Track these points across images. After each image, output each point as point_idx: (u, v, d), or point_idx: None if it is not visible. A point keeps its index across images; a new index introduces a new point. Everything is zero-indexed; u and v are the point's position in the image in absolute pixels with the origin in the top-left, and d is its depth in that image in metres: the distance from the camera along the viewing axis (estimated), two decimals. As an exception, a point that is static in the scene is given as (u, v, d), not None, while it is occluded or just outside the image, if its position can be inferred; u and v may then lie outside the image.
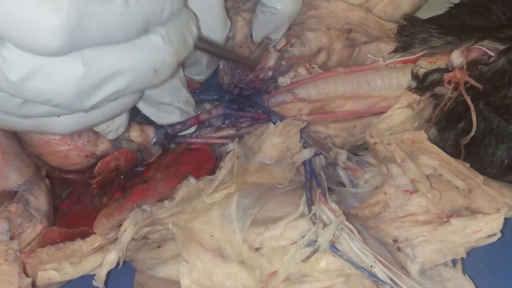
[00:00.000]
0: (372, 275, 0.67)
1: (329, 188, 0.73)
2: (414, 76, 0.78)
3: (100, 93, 0.58)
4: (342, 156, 0.77)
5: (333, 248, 0.68)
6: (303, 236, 0.68)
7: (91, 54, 0.55)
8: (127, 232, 0.69)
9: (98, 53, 0.55)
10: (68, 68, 0.55)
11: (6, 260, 0.67)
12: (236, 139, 0.77)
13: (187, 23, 0.63)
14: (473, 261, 0.71)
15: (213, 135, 0.80)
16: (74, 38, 0.52)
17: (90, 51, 0.55)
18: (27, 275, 0.69)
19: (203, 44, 0.70)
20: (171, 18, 0.60)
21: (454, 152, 0.75)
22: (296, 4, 0.77)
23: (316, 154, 0.76)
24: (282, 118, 0.78)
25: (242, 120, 0.81)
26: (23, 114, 0.58)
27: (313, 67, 0.81)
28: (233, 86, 0.82)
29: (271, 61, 0.81)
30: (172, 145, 0.80)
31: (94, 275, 0.69)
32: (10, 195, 0.71)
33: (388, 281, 0.67)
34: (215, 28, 0.74)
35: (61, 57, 0.54)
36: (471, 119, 0.75)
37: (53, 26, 0.51)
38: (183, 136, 0.80)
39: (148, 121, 0.77)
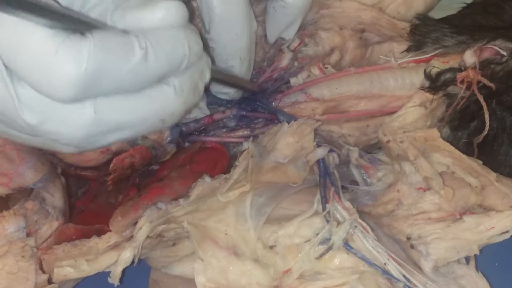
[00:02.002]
0: (385, 273, 0.67)
1: (342, 187, 0.73)
2: (427, 75, 0.78)
3: (107, 138, 0.59)
4: (354, 153, 0.77)
5: (347, 245, 0.68)
6: (317, 234, 0.68)
7: (103, 102, 0.56)
8: (143, 230, 0.69)
9: (110, 102, 0.56)
10: (80, 114, 0.55)
11: (23, 256, 0.67)
12: (251, 138, 0.77)
13: (202, 70, 0.64)
14: (487, 258, 0.71)
15: (228, 135, 0.81)
16: (89, 88, 0.53)
17: (103, 99, 0.56)
18: (44, 272, 0.69)
19: (218, 75, 0.71)
20: (187, 69, 0.61)
21: (467, 151, 0.74)
22: None
23: (329, 151, 0.76)
24: (290, 117, 0.78)
25: (256, 121, 0.81)
26: (32, 133, 0.58)
27: (326, 67, 0.82)
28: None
29: (285, 61, 0.81)
30: (187, 144, 0.80)
31: (110, 272, 0.70)
32: (26, 193, 0.72)
33: (402, 278, 0.67)
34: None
35: (75, 103, 0.54)
36: (484, 118, 0.75)
37: (70, 76, 0.52)
38: (198, 134, 0.80)
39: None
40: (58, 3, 0.54)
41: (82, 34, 0.52)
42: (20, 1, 0.48)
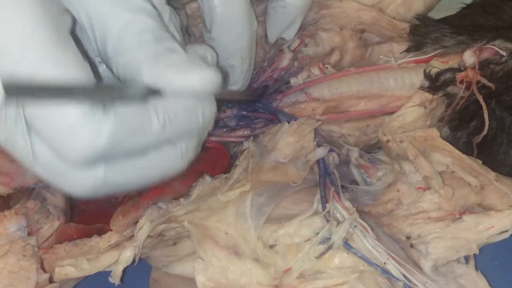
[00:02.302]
0: (385, 272, 0.68)
1: (342, 186, 0.74)
2: (427, 75, 0.78)
3: (111, 191, 0.60)
4: (354, 153, 0.78)
5: (347, 245, 0.68)
6: (317, 234, 0.68)
7: (113, 166, 0.57)
8: (143, 229, 0.70)
9: (119, 166, 0.57)
10: (89, 176, 0.56)
11: (24, 255, 0.68)
12: (251, 138, 0.77)
13: (209, 125, 0.64)
14: (486, 258, 0.71)
15: (228, 135, 0.81)
16: (103, 157, 0.55)
17: (113, 163, 0.56)
18: (45, 271, 0.69)
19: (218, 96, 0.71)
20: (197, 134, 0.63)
21: (466, 151, 0.75)
22: None
23: (329, 151, 0.76)
24: (290, 117, 0.78)
25: (257, 120, 0.81)
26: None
27: (326, 67, 0.82)
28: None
29: (285, 61, 0.81)
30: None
31: (111, 271, 0.70)
32: (27, 192, 0.72)
33: (401, 277, 0.67)
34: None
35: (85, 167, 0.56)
36: (483, 118, 0.76)
37: (88, 148, 0.53)
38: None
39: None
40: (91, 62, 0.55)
41: (105, 107, 0.53)
42: (50, 91, 0.49)
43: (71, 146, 0.53)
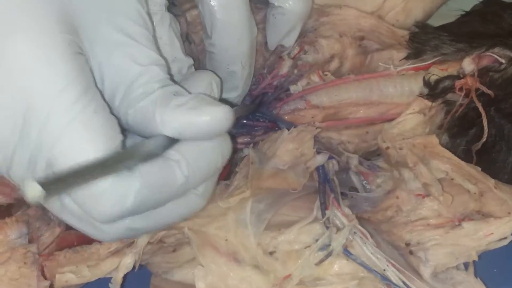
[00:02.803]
0: (385, 279, 0.68)
1: (342, 193, 0.74)
2: (426, 83, 0.78)
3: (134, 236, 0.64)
4: (354, 160, 0.78)
5: (346, 252, 0.68)
6: (317, 240, 0.68)
7: (137, 218, 0.59)
8: (144, 236, 0.70)
9: (143, 217, 0.59)
10: (114, 228, 0.58)
11: (25, 263, 0.68)
12: (251, 145, 0.78)
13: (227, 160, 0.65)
14: (486, 264, 0.71)
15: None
16: (129, 215, 0.57)
17: (137, 216, 0.58)
18: (46, 278, 0.69)
19: None
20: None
21: (465, 158, 0.75)
22: (305, 2, 0.78)
23: (329, 158, 0.76)
24: (290, 125, 0.78)
25: (257, 128, 0.81)
26: None
27: (326, 74, 0.82)
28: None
29: (285, 68, 0.81)
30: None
31: (111, 278, 0.70)
32: (28, 200, 0.72)
33: (401, 284, 0.67)
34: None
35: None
36: (483, 125, 0.76)
37: (114, 211, 0.55)
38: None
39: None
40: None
41: (130, 168, 0.54)
42: (84, 174, 0.51)
43: (100, 210, 0.55)
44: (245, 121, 0.81)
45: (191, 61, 0.73)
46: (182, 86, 0.62)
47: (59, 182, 0.49)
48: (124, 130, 0.59)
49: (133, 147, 0.56)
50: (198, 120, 0.57)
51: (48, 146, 0.52)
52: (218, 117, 0.58)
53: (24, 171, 0.54)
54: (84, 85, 0.54)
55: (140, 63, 0.58)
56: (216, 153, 0.61)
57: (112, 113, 0.57)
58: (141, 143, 0.57)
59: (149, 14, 0.61)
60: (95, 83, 0.57)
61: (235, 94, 0.77)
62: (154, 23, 0.68)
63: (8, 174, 0.55)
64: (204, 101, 0.59)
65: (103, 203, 0.54)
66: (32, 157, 0.53)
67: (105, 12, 0.57)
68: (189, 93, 0.61)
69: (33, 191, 0.46)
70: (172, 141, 0.58)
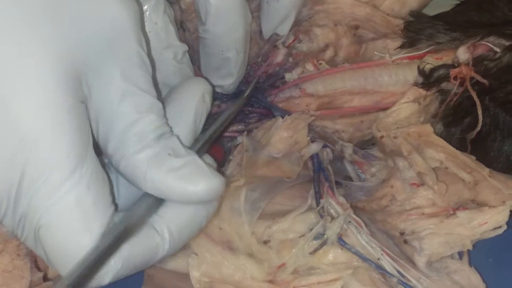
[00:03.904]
0: (379, 268, 0.68)
1: (336, 182, 0.74)
2: (421, 72, 0.78)
3: None
4: (348, 149, 0.78)
5: (341, 241, 0.68)
6: (311, 229, 0.68)
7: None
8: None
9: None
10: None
11: (18, 255, 0.67)
12: (245, 132, 0.77)
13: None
14: (481, 254, 0.71)
15: (222, 129, 0.81)
16: None
17: None
18: (39, 269, 0.69)
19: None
20: None
21: (460, 147, 0.75)
22: None
23: (323, 147, 0.76)
24: (284, 113, 0.78)
25: (251, 115, 0.81)
26: None
27: (320, 63, 0.82)
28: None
29: (280, 57, 0.81)
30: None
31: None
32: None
33: (395, 273, 0.68)
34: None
35: None
36: (477, 114, 0.76)
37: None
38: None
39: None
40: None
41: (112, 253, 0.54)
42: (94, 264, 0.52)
43: None
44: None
45: (185, 47, 0.73)
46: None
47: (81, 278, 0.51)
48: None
49: (124, 223, 0.55)
50: (190, 190, 0.56)
51: (36, 216, 0.52)
52: (210, 189, 0.57)
53: (14, 228, 0.54)
54: (80, 155, 0.53)
55: (138, 110, 0.57)
56: (202, 215, 0.60)
57: (104, 168, 0.57)
58: (131, 215, 0.56)
59: (149, 55, 0.61)
60: (92, 135, 0.56)
61: (230, 80, 0.77)
62: (148, 10, 0.68)
63: (1, 222, 0.55)
64: (199, 170, 0.58)
65: None
66: (21, 220, 0.53)
67: (106, 57, 0.56)
68: (186, 149, 0.60)
69: None
70: (159, 202, 0.58)
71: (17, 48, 0.51)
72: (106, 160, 0.61)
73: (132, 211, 0.57)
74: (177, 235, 0.58)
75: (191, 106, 0.64)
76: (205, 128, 0.67)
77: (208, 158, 0.64)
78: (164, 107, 0.61)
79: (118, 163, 0.57)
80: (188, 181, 0.56)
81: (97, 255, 0.52)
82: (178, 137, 0.60)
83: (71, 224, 0.53)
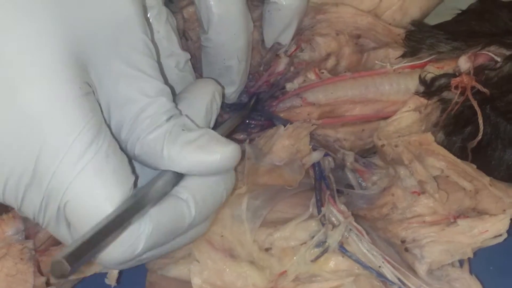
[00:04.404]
0: (380, 275, 0.68)
1: (337, 190, 0.74)
2: (422, 81, 0.79)
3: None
4: (350, 157, 0.78)
5: (342, 248, 0.68)
6: (313, 237, 0.69)
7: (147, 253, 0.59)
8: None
9: (153, 251, 0.59)
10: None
11: (21, 259, 0.67)
12: (247, 141, 0.78)
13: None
14: (482, 262, 0.71)
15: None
16: (137, 257, 0.57)
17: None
18: (42, 274, 0.69)
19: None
20: None
21: (461, 156, 0.75)
22: None
23: (325, 155, 0.76)
24: (285, 122, 0.78)
25: (253, 125, 0.82)
26: None
27: (322, 72, 0.82)
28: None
29: (281, 66, 0.81)
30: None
31: (107, 273, 0.70)
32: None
33: (396, 281, 0.68)
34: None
35: None
36: (478, 123, 0.76)
37: (124, 258, 0.56)
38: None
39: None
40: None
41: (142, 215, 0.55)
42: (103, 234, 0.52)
43: (109, 257, 0.55)
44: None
45: (188, 55, 0.73)
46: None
47: (83, 252, 0.49)
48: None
49: (144, 190, 0.56)
50: (207, 159, 0.58)
51: (59, 193, 0.53)
52: (227, 156, 0.58)
53: (36, 212, 0.54)
54: (95, 129, 0.54)
55: (147, 95, 0.58)
56: (222, 188, 0.61)
57: (121, 148, 0.58)
58: (151, 185, 0.57)
59: (153, 42, 0.62)
60: (104, 120, 0.57)
61: (232, 89, 0.78)
62: (151, 18, 0.69)
63: (20, 210, 0.56)
64: (213, 139, 0.59)
65: (113, 250, 0.54)
66: (43, 200, 0.53)
67: (112, 45, 0.57)
68: (197, 126, 0.61)
69: (61, 270, 0.47)
70: (179, 177, 0.59)
71: (25, 37, 0.52)
72: None
73: (153, 180, 0.58)
74: (201, 203, 0.59)
75: (202, 105, 0.65)
76: None
77: (217, 91, 0.66)
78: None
79: (133, 146, 0.58)
80: (205, 151, 0.58)
81: (115, 216, 0.53)
82: (188, 117, 0.61)
83: (94, 193, 0.53)
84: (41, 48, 0.52)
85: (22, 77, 0.52)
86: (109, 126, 0.58)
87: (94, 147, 0.53)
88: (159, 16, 0.70)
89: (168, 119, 0.58)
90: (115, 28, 0.57)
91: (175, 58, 0.72)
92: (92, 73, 0.56)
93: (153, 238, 0.56)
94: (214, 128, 0.67)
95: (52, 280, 0.69)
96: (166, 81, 0.61)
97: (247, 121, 0.81)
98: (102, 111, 0.57)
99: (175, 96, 0.63)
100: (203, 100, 0.65)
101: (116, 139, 0.58)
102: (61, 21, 0.54)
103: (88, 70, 0.56)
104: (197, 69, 0.79)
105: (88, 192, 0.53)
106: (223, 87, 0.73)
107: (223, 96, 0.76)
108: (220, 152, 0.58)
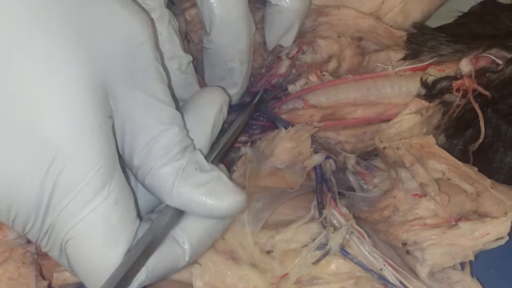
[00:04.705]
0: (381, 278, 0.68)
1: (339, 193, 0.74)
2: (423, 83, 0.79)
3: None
4: (351, 160, 0.78)
5: (344, 251, 0.69)
6: (314, 239, 0.69)
7: None
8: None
9: None
10: None
11: (23, 263, 0.67)
12: (249, 143, 0.78)
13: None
14: (483, 265, 0.71)
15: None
16: None
17: None
18: (44, 278, 0.69)
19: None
20: None
21: (462, 158, 0.75)
22: (302, 0, 0.78)
23: (326, 158, 0.76)
24: (288, 124, 0.78)
25: (254, 126, 0.82)
26: None
27: (324, 74, 0.82)
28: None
29: (283, 68, 0.81)
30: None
31: (109, 276, 0.70)
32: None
33: (398, 283, 0.68)
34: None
35: None
36: (479, 126, 0.76)
37: None
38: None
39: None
40: None
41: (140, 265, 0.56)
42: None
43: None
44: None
45: (190, 58, 0.73)
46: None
47: None
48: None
49: (148, 239, 0.57)
50: (214, 205, 0.58)
51: (63, 229, 0.53)
52: (234, 205, 0.59)
53: (39, 238, 0.55)
54: (109, 171, 0.54)
55: (162, 122, 0.58)
56: (219, 229, 0.62)
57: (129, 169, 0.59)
58: (154, 231, 0.58)
59: (164, 67, 0.62)
60: (118, 154, 0.57)
61: (234, 91, 0.78)
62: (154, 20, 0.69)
63: (25, 235, 0.56)
64: (223, 186, 0.59)
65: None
66: (48, 232, 0.54)
67: (128, 73, 0.57)
68: (209, 163, 0.61)
69: None
70: (180, 214, 0.59)
71: (47, 67, 0.52)
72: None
73: (155, 224, 0.58)
74: (196, 246, 0.60)
75: (209, 117, 0.65)
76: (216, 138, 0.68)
77: (223, 168, 0.65)
78: (183, 117, 0.62)
79: (144, 175, 0.59)
80: (215, 197, 0.58)
81: (125, 271, 0.54)
82: (200, 151, 0.61)
83: (98, 239, 0.54)
84: (64, 81, 0.52)
85: (44, 105, 0.52)
86: (121, 150, 0.58)
87: (105, 192, 0.54)
88: (161, 18, 0.70)
89: (182, 152, 0.59)
90: (128, 55, 0.57)
91: (178, 60, 0.72)
92: (110, 98, 0.56)
93: (145, 283, 0.56)
94: (221, 132, 0.68)
95: (54, 284, 0.69)
96: (178, 106, 0.61)
97: (249, 121, 0.81)
98: (115, 136, 0.58)
99: (176, 99, 0.63)
100: (211, 113, 0.66)
101: (126, 163, 0.59)
102: (84, 48, 0.54)
103: (108, 96, 0.56)
104: (199, 71, 0.79)
105: (92, 236, 0.54)
106: (228, 95, 0.73)
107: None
108: (228, 201, 0.58)
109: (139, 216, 0.58)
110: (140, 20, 0.59)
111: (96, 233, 0.54)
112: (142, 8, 0.63)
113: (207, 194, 0.58)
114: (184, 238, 0.59)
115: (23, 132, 0.51)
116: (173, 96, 0.66)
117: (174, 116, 0.60)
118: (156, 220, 0.58)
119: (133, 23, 0.58)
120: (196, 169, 0.59)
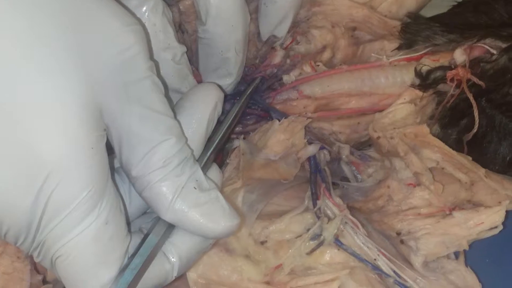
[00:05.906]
0: (375, 268, 0.68)
1: (333, 183, 0.74)
2: (418, 73, 0.79)
3: None
4: (345, 150, 0.78)
5: (337, 241, 0.68)
6: (308, 230, 0.69)
7: None
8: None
9: None
10: None
11: (18, 257, 0.67)
12: (242, 136, 0.78)
13: None
14: (477, 254, 0.71)
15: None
16: None
17: None
18: (38, 272, 0.69)
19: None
20: None
21: (456, 148, 0.75)
22: None
23: (320, 148, 0.76)
24: (282, 115, 0.79)
25: (248, 117, 0.81)
26: None
27: (318, 65, 0.82)
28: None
29: (277, 58, 0.81)
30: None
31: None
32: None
33: (392, 273, 0.68)
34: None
35: None
36: (474, 116, 0.76)
37: None
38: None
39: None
40: None
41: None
42: None
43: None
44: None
45: (184, 48, 0.73)
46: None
47: None
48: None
49: (140, 260, 0.57)
50: (208, 227, 0.58)
51: (53, 247, 0.53)
52: (227, 229, 0.59)
53: (30, 252, 0.55)
54: (100, 191, 0.54)
55: (160, 132, 0.58)
56: (207, 244, 0.62)
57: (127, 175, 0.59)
58: (146, 247, 0.58)
59: (159, 76, 0.61)
60: (110, 172, 0.57)
61: (229, 80, 0.77)
62: (147, 11, 0.68)
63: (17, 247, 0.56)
64: (220, 209, 0.59)
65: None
66: (39, 247, 0.54)
67: (122, 86, 0.56)
68: (207, 181, 0.61)
69: None
70: (171, 228, 0.59)
71: (41, 89, 0.52)
72: (116, 165, 0.62)
73: (149, 243, 0.58)
74: (185, 262, 0.60)
75: (204, 116, 0.65)
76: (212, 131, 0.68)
77: (216, 168, 0.65)
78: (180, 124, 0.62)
79: (141, 187, 0.58)
80: (211, 219, 0.58)
81: None
82: (199, 166, 0.61)
83: (88, 258, 0.54)
84: (57, 100, 0.52)
85: (39, 126, 0.52)
86: (120, 161, 0.58)
87: (96, 212, 0.54)
88: (155, 8, 0.69)
89: (182, 166, 0.58)
90: (121, 69, 0.56)
91: (172, 51, 0.72)
92: (105, 114, 0.56)
93: None
94: (218, 123, 0.68)
95: (49, 278, 0.69)
96: (175, 114, 0.61)
97: (243, 112, 0.81)
98: (113, 148, 0.58)
99: (167, 89, 0.63)
100: (206, 111, 0.65)
101: (125, 173, 0.59)
102: (77, 67, 0.54)
103: (102, 112, 0.56)
104: (193, 62, 0.79)
105: (81, 255, 0.54)
106: (224, 92, 0.73)
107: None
108: (224, 225, 0.58)
109: (130, 234, 0.58)
110: (134, 32, 0.58)
111: (86, 253, 0.54)
112: (133, 13, 0.63)
113: (204, 215, 0.58)
114: (174, 253, 0.59)
115: (17, 151, 0.51)
116: (166, 86, 0.66)
117: (171, 126, 0.59)
118: (149, 239, 0.58)
119: (126, 35, 0.57)
120: (195, 188, 0.59)
